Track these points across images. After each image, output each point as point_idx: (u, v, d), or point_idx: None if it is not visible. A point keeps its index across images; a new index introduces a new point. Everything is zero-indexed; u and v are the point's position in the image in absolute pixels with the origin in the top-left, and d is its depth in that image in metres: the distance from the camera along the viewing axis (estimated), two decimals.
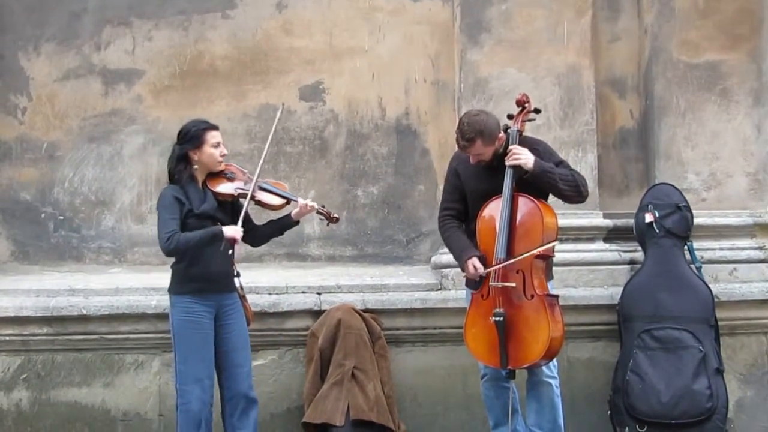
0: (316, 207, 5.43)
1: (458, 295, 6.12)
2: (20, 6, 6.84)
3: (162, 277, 6.28)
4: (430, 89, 6.89)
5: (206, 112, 6.70)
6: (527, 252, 5.18)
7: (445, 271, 6.26)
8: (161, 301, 6.09)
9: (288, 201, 5.43)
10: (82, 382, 6.17)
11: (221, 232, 5.13)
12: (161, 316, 6.06)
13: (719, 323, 6.05)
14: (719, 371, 5.95)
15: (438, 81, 6.87)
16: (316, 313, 6.18)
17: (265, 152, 5.49)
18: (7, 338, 6.11)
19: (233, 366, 5.35)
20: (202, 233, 5.15)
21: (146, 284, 6.26)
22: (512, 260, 5.19)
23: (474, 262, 5.28)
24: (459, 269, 5.94)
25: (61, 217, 6.80)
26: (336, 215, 5.52)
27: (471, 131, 5.21)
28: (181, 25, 6.86)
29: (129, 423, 6.16)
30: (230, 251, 5.13)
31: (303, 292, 6.25)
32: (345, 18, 6.90)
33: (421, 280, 6.39)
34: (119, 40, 6.85)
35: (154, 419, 6.18)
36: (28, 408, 6.14)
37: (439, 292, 6.28)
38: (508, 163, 5.23)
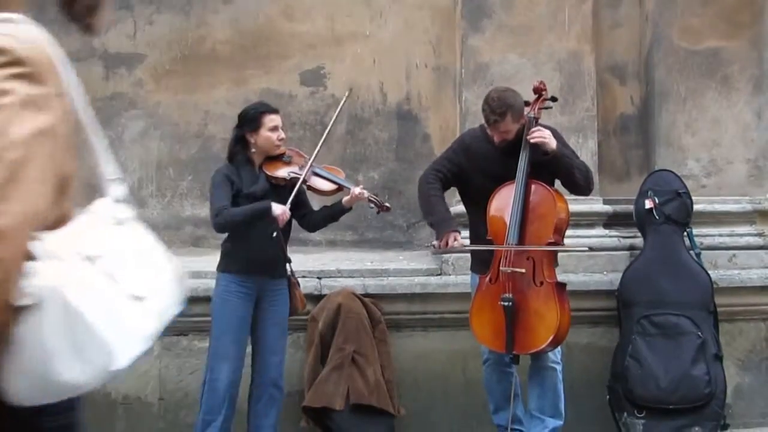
0: (367, 195, 5.40)
1: (458, 280, 6.14)
2: None
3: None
4: (431, 75, 6.89)
5: (207, 97, 6.73)
6: (544, 246, 5.22)
7: (446, 256, 6.26)
8: None
9: (340, 187, 5.43)
10: None
11: (269, 207, 5.14)
12: None
13: (718, 309, 6.05)
14: (718, 357, 5.95)
15: (439, 66, 6.88)
16: (316, 298, 6.19)
17: (323, 138, 5.52)
18: None
19: (266, 352, 5.39)
20: (248, 207, 5.18)
21: None
22: (524, 247, 5.22)
23: (455, 236, 5.28)
24: (459, 254, 5.97)
25: None
26: (388, 204, 5.49)
27: (502, 105, 5.21)
28: (183, 9, 6.85)
29: (129, 406, 6.17)
30: (274, 233, 5.14)
31: (303, 277, 6.23)
32: (346, 3, 6.90)
33: (422, 265, 6.40)
34: (120, 24, 6.83)
35: (155, 403, 6.19)
36: None
37: (439, 277, 6.29)
38: (531, 140, 5.21)
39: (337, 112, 5.73)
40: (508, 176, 5.31)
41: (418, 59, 6.91)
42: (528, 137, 5.23)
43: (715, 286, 6.07)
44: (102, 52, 6.84)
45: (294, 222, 5.52)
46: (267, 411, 5.38)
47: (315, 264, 6.40)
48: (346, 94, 5.77)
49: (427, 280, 6.28)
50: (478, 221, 5.44)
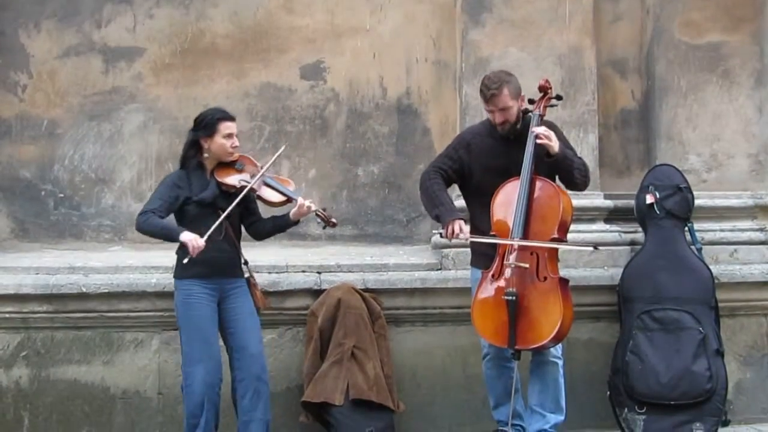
0: (314, 209, 5.42)
1: (458, 275, 6.14)
2: None
3: (162, 256, 6.28)
4: (431, 69, 6.86)
5: (207, 91, 6.70)
6: (547, 242, 5.21)
7: (446, 251, 6.26)
8: (161, 280, 6.09)
9: (289, 199, 5.43)
10: (81, 359, 6.16)
11: (178, 234, 5.15)
12: (161, 295, 6.06)
13: (719, 305, 6.05)
14: (719, 353, 5.95)
15: (439, 60, 6.85)
16: (316, 293, 6.18)
17: (277, 154, 5.51)
18: (7, 315, 6.10)
19: (242, 348, 5.37)
20: (165, 225, 5.21)
21: (146, 262, 6.25)
22: (530, 243, 5.20)
23: (461, 224, 5.28)
24: (459, 249, 5.96)
25: (61, 195, 6.78)
26: (334, 220, 5.51)
27: (498, 80, 5.29)
28: (182, 2, 6.82)
29: (128, 401, 6.16)
30: (185, 260, 5.13)
31: (303, 272, 6.25)
32: None
33: (421, 260, 6.38)
34: (120, 18, 6.80)
35: (153, 397, 6.18)
36: (28, 385, 6.13)
37: (439, 272, 6.28)
38: (535, 140, 5.21)
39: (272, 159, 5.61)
40: (510, 169, 5.30)
41: (418, 53, 6.88)
42: (533, 132, 5.22)
43: (716, 281, 6.07)
44: (101, 45, 6.80)
45: (245, 224, 5.57)
46: (254, 405, 5.36)
47: (315, 259, 6.39)
48: (281, 149, 5.72)
49: (427, 274, 6.27)
50: (479, 216, 5.42)
